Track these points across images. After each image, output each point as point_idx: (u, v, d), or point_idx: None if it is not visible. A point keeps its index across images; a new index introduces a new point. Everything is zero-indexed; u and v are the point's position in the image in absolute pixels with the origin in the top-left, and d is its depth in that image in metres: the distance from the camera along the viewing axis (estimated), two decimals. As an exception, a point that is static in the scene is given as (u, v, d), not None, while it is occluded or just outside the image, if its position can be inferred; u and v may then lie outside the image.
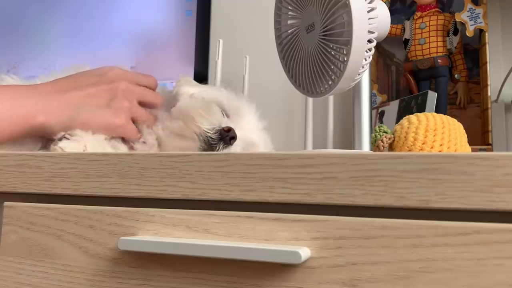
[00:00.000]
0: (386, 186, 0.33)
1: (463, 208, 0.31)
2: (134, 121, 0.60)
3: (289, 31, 0.55)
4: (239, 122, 0.61)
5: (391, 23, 0.53)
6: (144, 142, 0.60)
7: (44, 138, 0.56)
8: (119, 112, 0.57)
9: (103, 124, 0.56)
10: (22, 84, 0.63)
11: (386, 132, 0.49)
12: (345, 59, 0.47)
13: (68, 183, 0.43)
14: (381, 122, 0.86)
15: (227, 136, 0.57)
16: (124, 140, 0.60)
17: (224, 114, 0.61)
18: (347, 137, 0.92)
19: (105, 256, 0.40)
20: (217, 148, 0.57)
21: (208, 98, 0.61)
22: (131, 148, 0.60)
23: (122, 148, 0.59)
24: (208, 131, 0.57)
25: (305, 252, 0.33)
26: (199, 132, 0.57)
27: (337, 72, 0.48)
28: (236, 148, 0.58)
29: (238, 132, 0.59)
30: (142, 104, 0.61)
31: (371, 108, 0.70)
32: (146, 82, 0.63)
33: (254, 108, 0.65)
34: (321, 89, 0.51)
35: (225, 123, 0.58)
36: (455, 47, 0.83)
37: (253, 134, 0.62)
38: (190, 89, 0.64)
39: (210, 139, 0.57)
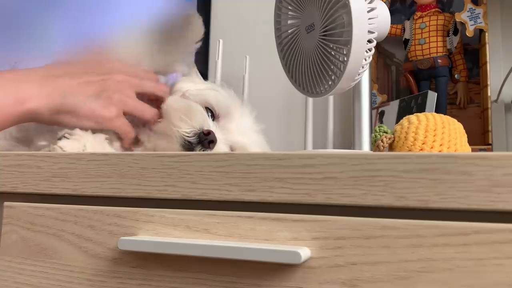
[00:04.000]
0: (386, 186, 0.33)
1: (463, 208, 0.31)
2: (128, 114, 0.58)
3: (289, 31, 0.55)
4: (228, 124, 0.60)
5: (391, 23, 0.53)
6: (143, 145, 0.60)
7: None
8: (108, 104, 0.56)
9: (91, 115, 0.55)
10: None
11: (386, 132, 0.49)
12: (345, 59, 0.47)
13: (68, 183, 0.43)
14: (381, 122, 0.86)
15: (205, 139, 0.56)
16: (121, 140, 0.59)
17: (213, 115, 0.60)
18: (347, 137, 0.92)
19: (105, 256, 0.40)
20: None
21: (196, 98, 0.60)
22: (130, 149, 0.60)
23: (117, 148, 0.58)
24: (186, 134, 0.56)
25: (305, 252, 0.33)
26: (177, 134, 0.56)
27: (337, 72, 0.48)
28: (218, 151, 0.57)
29: (223, 135, 0.58)
30: (143, 95, 0.60)
31: (371, 108, 0.71)
32: (145, 76, 0.62)
33: (248, 109, 0.64)
34: (321, 89, 0.51)
35: (208, 125, 0.57)
36: (455, 47, 0.83)
37: (242, 136, 0.61)
38: (186, 85, 0.64)
39: (187, 142, 0.56)
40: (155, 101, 0.62)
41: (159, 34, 0.63)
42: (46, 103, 0.54)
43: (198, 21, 0.67)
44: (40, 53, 0.98)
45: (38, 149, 0.57)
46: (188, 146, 0.56)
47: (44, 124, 0.56)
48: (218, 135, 0.57)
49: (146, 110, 0.59)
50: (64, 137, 0.53)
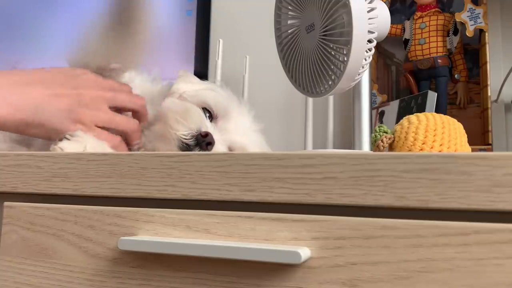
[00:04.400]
0: (386, 186, 0.33)
1: (463, 208, 0.31)
2: (106, 128, 0.57)
3: (289, 31, 0.55)
4: (226, 124, 0.60)
5: (391, 23, 0.53)
6: (143, 147, 0.60)
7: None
8: (78, 120, 0.55)
9: (59, 129, 0.54)
10: None
11: (386, 132, 0.49)
12: (345, 59, 0.47)
13: (67, 183, 0.43)
14: (381, 122, 0.86)
15: (203, 141, 0.56)
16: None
17: (212, 116, 0.60)
18: (347, 137, 0.92)
19: (105, 256, 0.40)
20: None
21: (194, 99, 0.60)
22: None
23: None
24: (184, 136, 0.56)
25: (305, 252, 0.33)
26: (175, 137, 0.56)
27: (337, 72, 0.48)
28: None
29: (221, 135, 0.58)
30: (118, 109, 0.58)
31: (371, 108, 0.70)
32: (120, 89, 0.60)
33: (246, 109, 0.64)
34: (321, 89, 0.51)
35: (206, 127, 0.57)
36: (455, 47, 0.83)
37: (241, 136, 0.61)
38: (183, 86, 0.63)
39: (185, 144, 0.56)
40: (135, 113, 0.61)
41: (115, 26, 0.60)
42: (13, 113, 0.52)
43: (142, 9, 0.62)
44: (40, 54, 0.98)
45: (38, 149, 0.57)
46: (186, 148, 0.56)
47: (10, 132, 0.55)
48: (216, 136, 0.57)
49: (119, 122, 0.58)
50: (65, 138, 0.53)
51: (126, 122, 0.58)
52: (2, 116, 0.52)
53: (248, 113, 0.63)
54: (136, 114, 0.61)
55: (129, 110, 0.60)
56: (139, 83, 0.66)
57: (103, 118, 0.56)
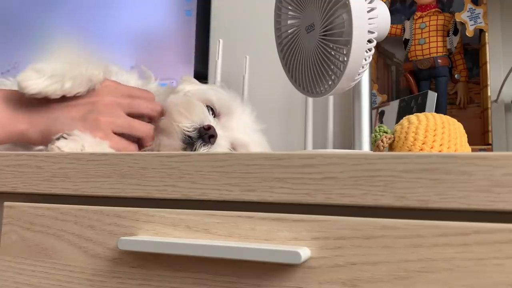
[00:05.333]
0: (386, 186, 0.33)
1: (463, 208, 0.31)
2: (121, 135, 0.57)
3: (289, 31, 0.55)
4: (228, 122, 0.61)
5: (391, 23, 0.53)
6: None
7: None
8: (93, 126, 0.55)
9: None
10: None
11: (386, 132, 0.49)
12: (345, 59, 0.47)
13: (67, 183, 0.43)
14: (381, 122, 0.86)
15: (206, 134, 0.56)
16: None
17: (214, 113, 0.60)
18: (347, 137, 0.92)
19: (105, 256, 0.40)
20: (195, 147, 0.56)
21: (197, 96, 0.61)
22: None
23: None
24: (186, 129, 0.56)
25: (305, 252, 0.33)
26: (178, 130, 0.56)
27: (337, 72, 0.48)
28: (218, 148, 0.57)
29: (224, 132, 0.58)
30: (134, 116, 0.59)
31: (371, 108, 0.70)
32: (140, 95, 0.61)
33: (248, 109, 0.64)
34: (321, 89, 0.51)
35: (208, 121, 0.58)
36: (455, 47, 0.83)
37: (243, 135, 0.61)
38: (187, 86, 0.64)
39: (188, 137, 0.56)
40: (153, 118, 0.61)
41: None
42: (34, 126, 0.55)
43: None
44: (40, 55, 0.98)
45: (37, 149, 0.57)
46: (189, 141, 0.56)
47: (34, 145, 0.57)
48: (219, 131, 0.58)
49: (136, 127, 0.58)
50: (62, 137, 0.53)
51: (142, 127, 0.59)
52: (25, 130, 0.55)
53: (250, 113, 0.64)
54: (151, 119, 0.61)
55: (145, 116, 0.61)
56: (135, 83, 0.66)
57: (119, 123, 0.57)
